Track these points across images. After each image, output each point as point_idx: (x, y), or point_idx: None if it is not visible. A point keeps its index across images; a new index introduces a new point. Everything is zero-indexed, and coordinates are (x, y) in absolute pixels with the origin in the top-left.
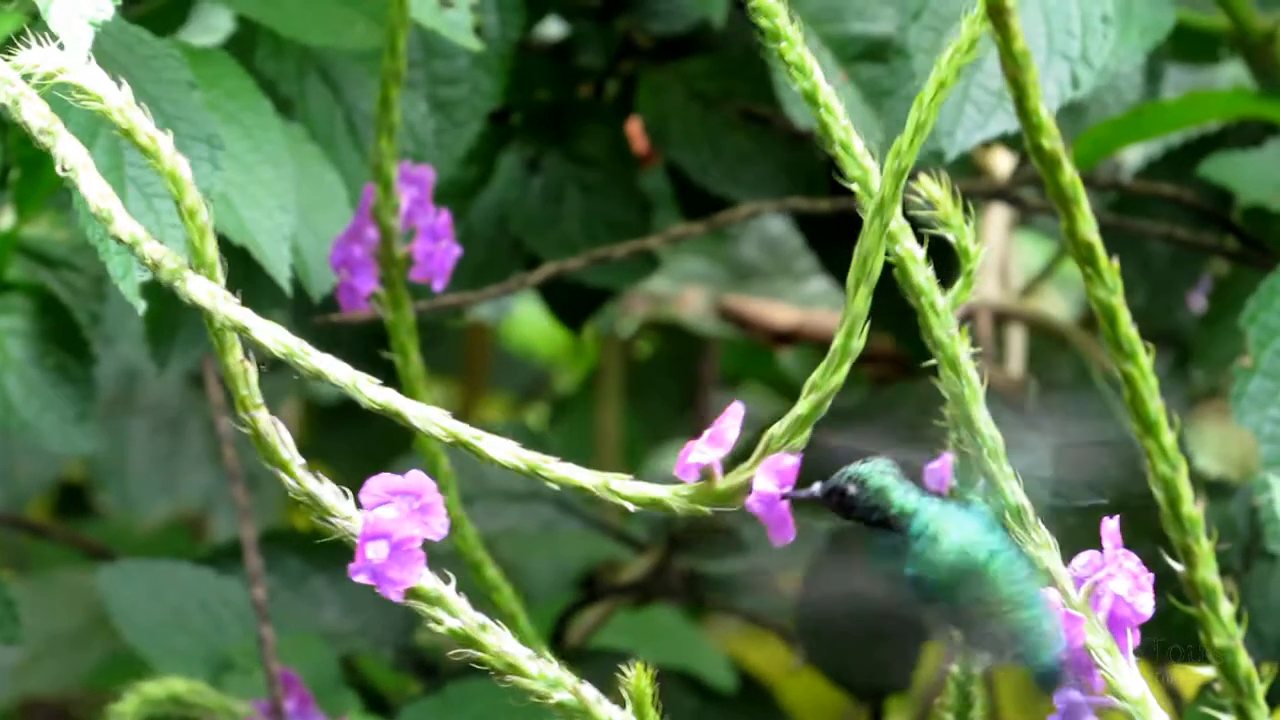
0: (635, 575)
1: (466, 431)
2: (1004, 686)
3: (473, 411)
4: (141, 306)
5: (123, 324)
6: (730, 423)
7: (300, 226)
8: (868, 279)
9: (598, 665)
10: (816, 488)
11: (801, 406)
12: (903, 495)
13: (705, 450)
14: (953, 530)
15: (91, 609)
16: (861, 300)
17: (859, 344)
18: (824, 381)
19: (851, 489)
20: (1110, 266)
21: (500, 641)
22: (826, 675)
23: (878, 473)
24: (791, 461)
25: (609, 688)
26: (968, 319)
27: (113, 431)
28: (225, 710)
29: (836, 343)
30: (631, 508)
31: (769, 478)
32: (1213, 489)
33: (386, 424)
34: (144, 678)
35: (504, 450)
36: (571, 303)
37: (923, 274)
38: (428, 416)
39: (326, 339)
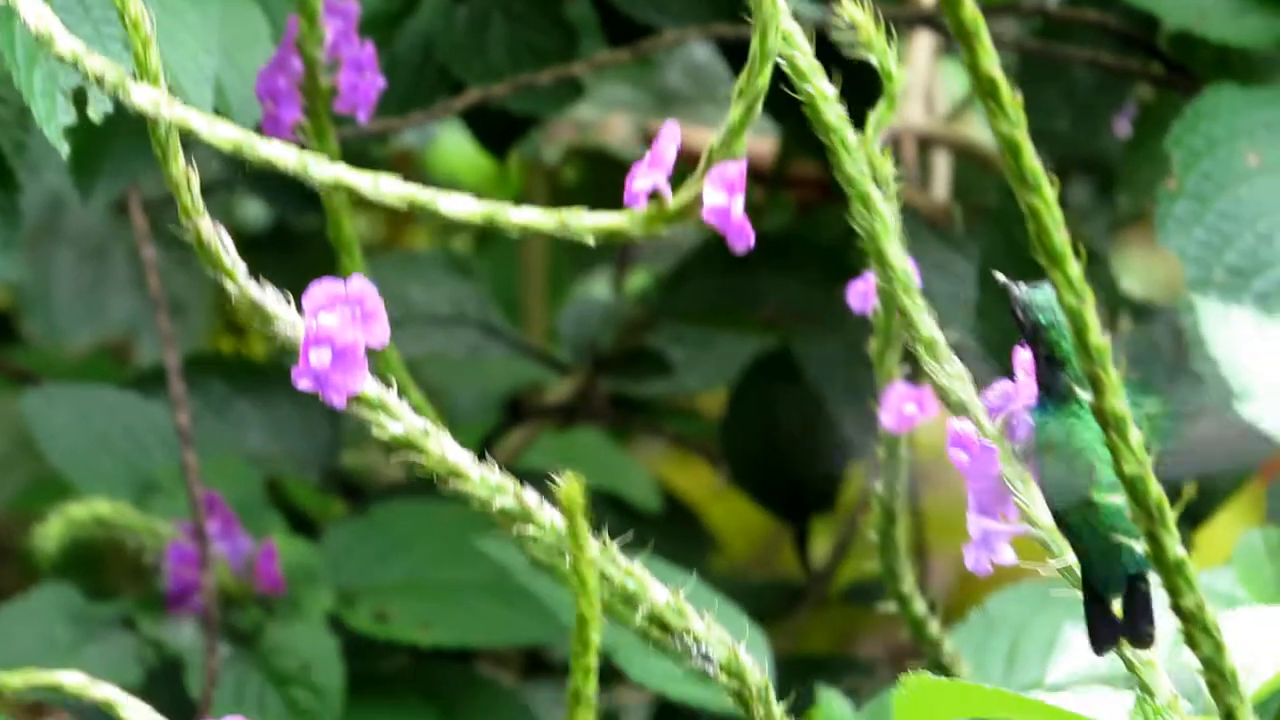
0: (560, 398)
1: (420, 194)
2: (929, 509)
3: (399, 239)
4: (65, 149)
5: (48, 153)
6: (667, 143)
7: (224, 63)
8: None
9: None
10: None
11: (733, 114)
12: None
13: (649, 174)
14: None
15: (17, 433)
16: (770, 4)
17: (777, 42)
18: (749, 86)
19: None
20: (1013, 100)
21: (443, 447)
22: (751, 496)
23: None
24: (736, 169)
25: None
26: (892, 144)
27: (38, 260)
28: (149, 532)
29: (754, 46)
30: (591, 240)
31: (717, 188)
32: (1138, 311)
33: (314, 252)
34: (69, 500)
35: (459, 206)
36: (496, 130)
37: (833, 112)
38: (380, 186)
39: (255, 172)
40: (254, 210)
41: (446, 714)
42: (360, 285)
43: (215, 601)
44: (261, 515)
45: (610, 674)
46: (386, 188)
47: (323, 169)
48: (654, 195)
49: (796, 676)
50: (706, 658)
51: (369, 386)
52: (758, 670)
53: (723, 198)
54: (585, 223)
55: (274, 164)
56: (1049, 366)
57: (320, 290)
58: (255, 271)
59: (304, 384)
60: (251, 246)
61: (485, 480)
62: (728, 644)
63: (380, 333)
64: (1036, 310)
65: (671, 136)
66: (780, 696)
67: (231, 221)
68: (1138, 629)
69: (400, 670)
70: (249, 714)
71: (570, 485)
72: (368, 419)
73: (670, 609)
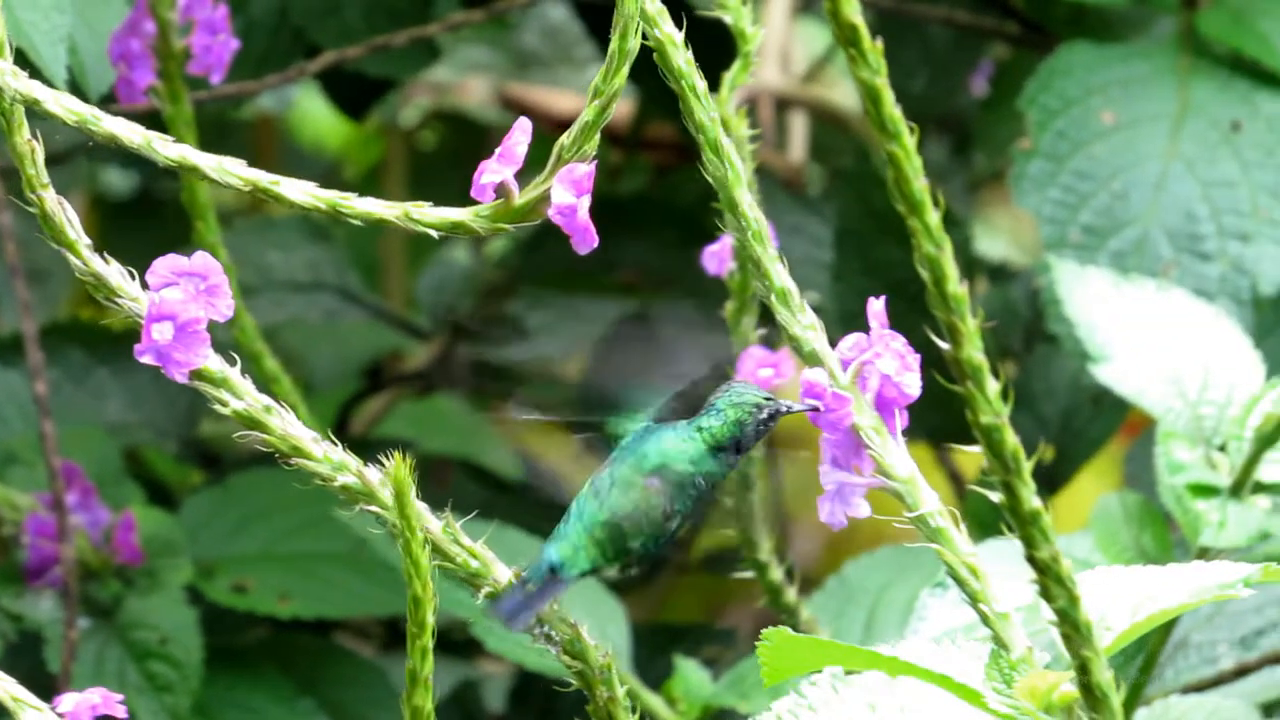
0: (420, 364)
1: (264, 178)
2: (793, 479)
3: (260, 206)
4: None
5: None
6: (519, 138)
7: (77, 24)
8: None
9: (381, 454)
10: None
11: (588, 113)
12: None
13: (497, 169)
14: None
15: None
16: (631, 2)
17: (635, 45)
18: (606, 85)
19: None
20: (874, 47)
21: (285, 424)
22: None
23: None
24: (585, 170)
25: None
26: (749, 105)
27: None
28: (7, 503)
29: (613, 46)
30: (435, 234)
31: (566, 188)
32: (995, 273)
33: (175, 221)
34: None
35: (301, 191)
36: (353, 92)
37: (681, 57)
38: (224, 166)
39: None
40: (118, 176)
41: (305, 686)
42: (203, 260)
43: (74, 574)
44: (120, 486)
45: (473, 643)
46: (230, 168)
47: (168, 148)
48: (500, 189)
49: (657, 646)
50: (549, 638)
51: (212, 362)
52: (600, 651)
53: (570, 198)
54: (429, 216)
55: (119, 140)
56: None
57: (163, 265)
58: (119, 238)
59: (146, 359)
60: (116, 213)
61: (328, 457)
62: (570, 624)
63: (224, 307)
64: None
65: (523, 131)
66: (640, 665)
67: (95, 188)
68: None
69: (259, 642)
70: (108, 687)
71: (398, 466)
72: (210, 395)
73: None
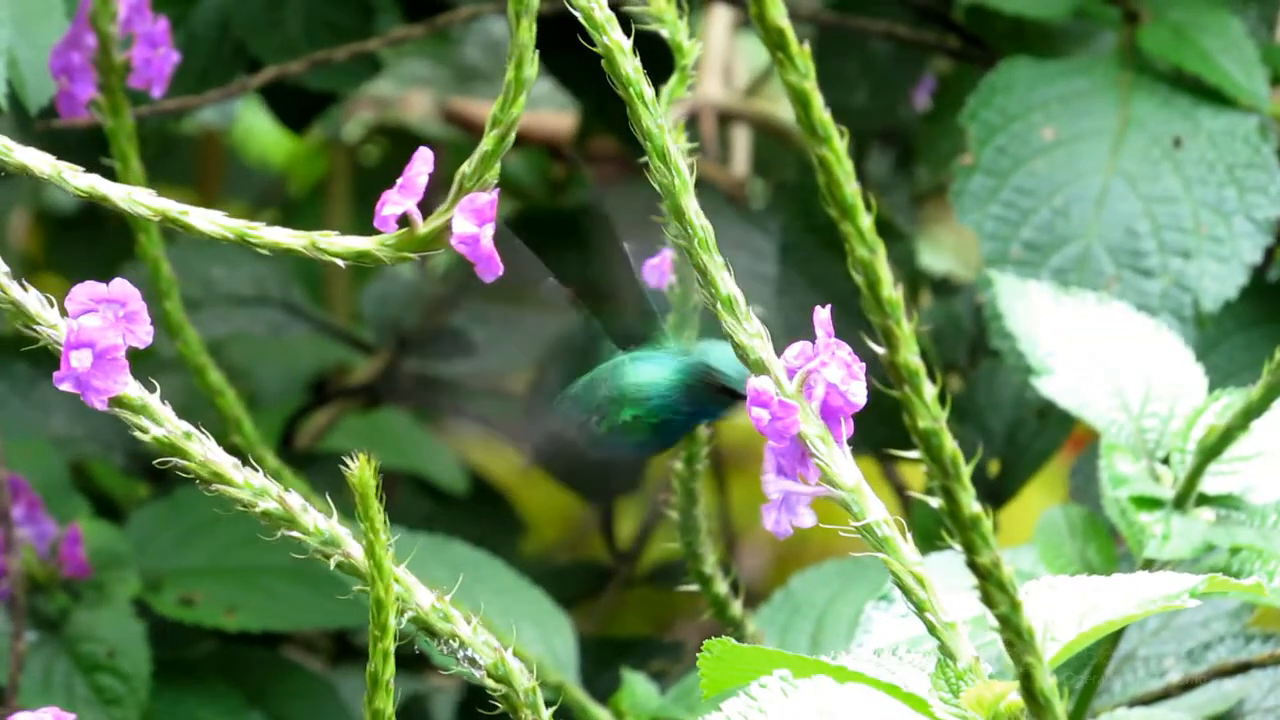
0: (365, 378)
1: (173, 208)
2: (740, 494)
3: None
4: None
5: None
6: (420, 168)
7: (17, 38)
8: (527, 11)
9: (327, 468)
10: None
11: (487, 142)
12: None
13: (398, 200)
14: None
15: None
16: (525, 31)
17: (532, 74)
18: (504, 115)
19: None
20: (802, 51)
21: (205, 450)
22: (555, 478)
23: None
24: (487, 199)
25: (339, 489)
26: (691, 119)
27: None
28: None
29: (509, 76)
30: (341, 264)
31: (467, 218)
32: (939, 286)
33: (119, 235)
34: None
35: (210, 221)
36: (295, 107)
37: (630, 64)
38: (133, 196)
39: (53, 148)
40: (62, 192)
41: (254, 699)
42: (122, 287)
43: (21, 587)
44: (66, 499)
45: (421, 657)
46: (139, 198)
47: (77, 178)
48: (404, 220)
49: (605, 659)
50: (472, 662)
51: (131, 389)
52: (525, 676)
53: (472, 227)
54: (335, 246)
55: (30, 170)
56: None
57: (82, 291)
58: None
59: (65, 386)
60: (60, 228)
61: (249, 483)
62: (495, 648)
63: (143, 334)
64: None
65: (424, 162)
66: (587, 679)
67: (39, 204)
68: None
69: (207, 655)
70: (56, 701)
71: (362, 468)
72: (130, 421)
73: (435, 612)
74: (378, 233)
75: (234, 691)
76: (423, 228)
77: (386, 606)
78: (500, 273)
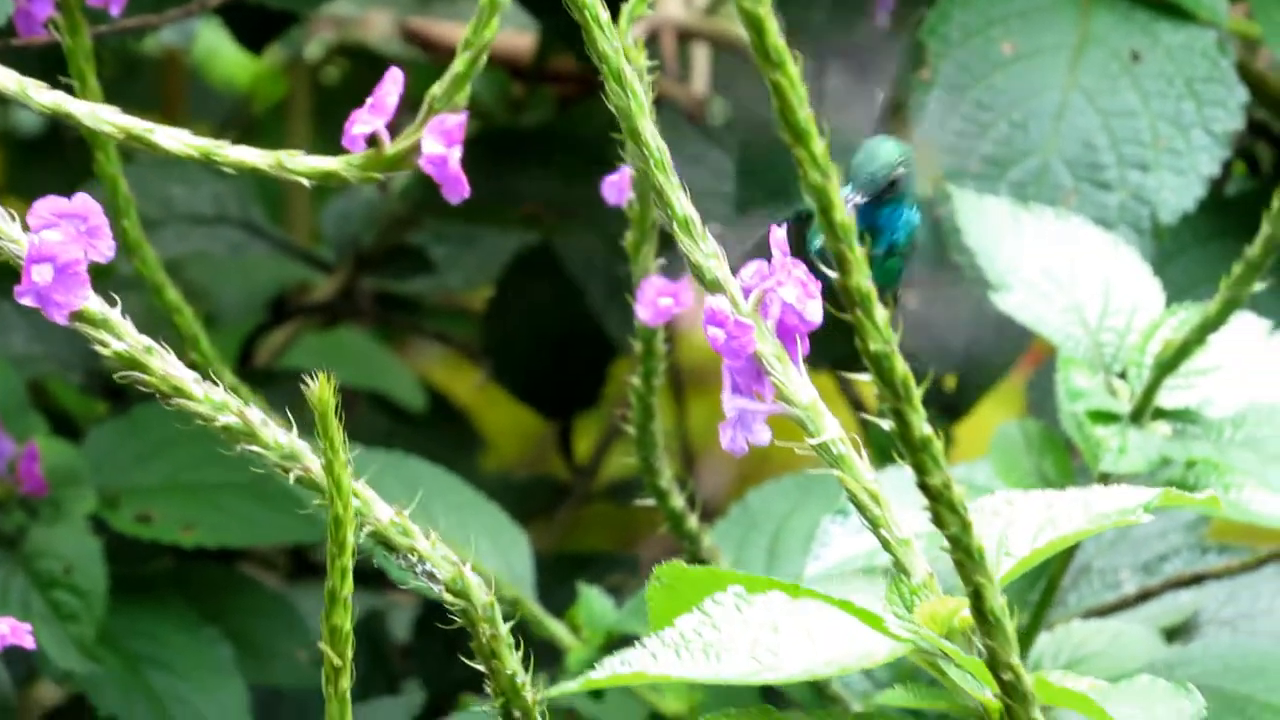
0: (323, 297)
1: (138, 125)
2: (694, 404)
3: None
4: None
5: None
6: (390, 89)
7: None
8: None
9: (285, 386)
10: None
11: (458, 64)
12: None
13: (368, 119)
14: None
15: None
16: None
17: None
18: (477, 37)
19: None
20: None
21: (165, 365)
22: (514, 393)
23: None
24: (456, 121)
25: (298, 407)
26: (651, 37)
27: None
28: None
29: (482, 1)
30: (307, 183)
31: (436, 138)
32: None
33: (79, 155)
34: None
35: (175, 139)
36: (254, 26)
37: None
38: (97, 114)
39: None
40: (28, 113)
41: (210, 616)
42: (84, 201)
43: None
44: (24, 417)
45: (379, 574)
46: (104, 115)
47: (41, 95)
48: (373, 139)
49: (563, 574)
50: (431, 576)
51: (92, 303)
52: (484, 589)
53: (441, 148)
54: (301, 165)
55: None
56: None
57: (44, 205)
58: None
59: (26, 300)
60: (25, 149)
61: (209, 397)
62: (454, 562)
63: (105, 248)
64: None
65: (394, 82)
66: (545, 594)
67: (4, 125)
68: None
69: (164, 572)
70: (14, 616)
71: (322, 387)
72: (91, 336)
73: (394, 527)
74: (342, 152)
75: (190, 608)
76: (391, 148)
77: (345, 524)
78: (467, 194)
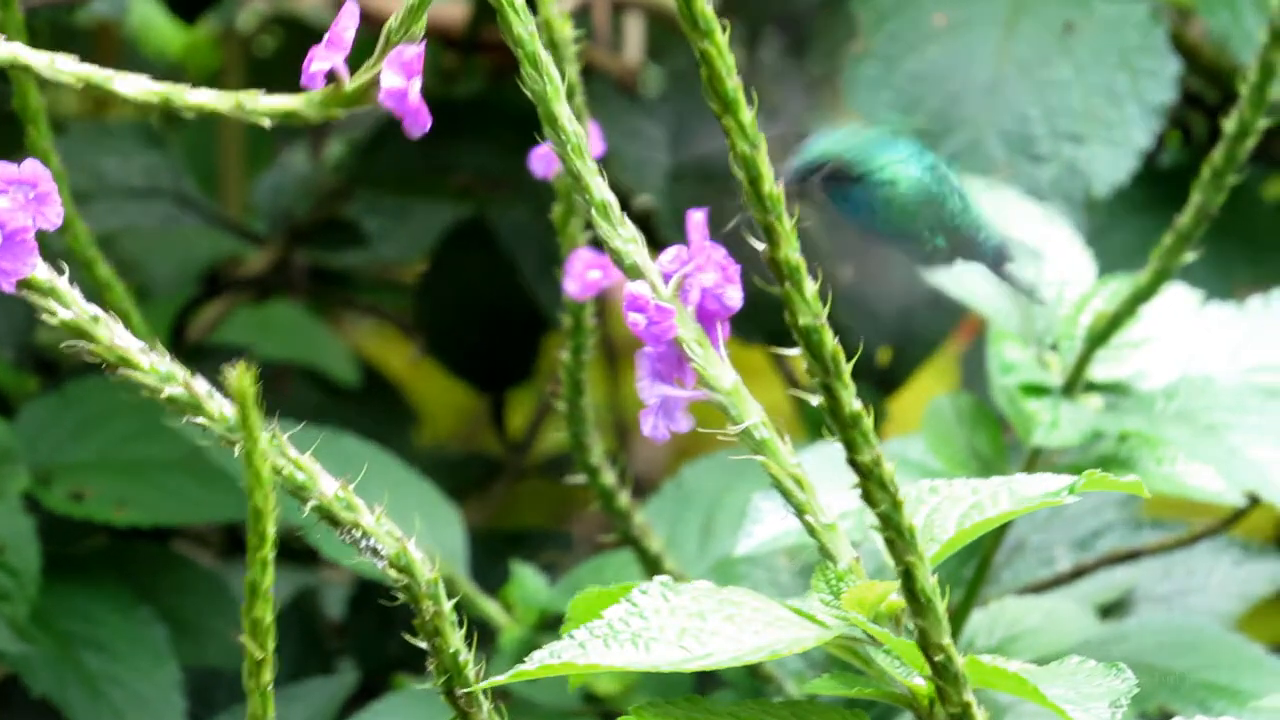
0: (256, 270)
1: (97, 74)
2: (628, 378)
3: (102, 111)
4: None
5: None
6: (347, 23)
7: None
8: None
9: (218, 361)
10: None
11: None
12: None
13: (326, 55)
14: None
15: None
16: None
17: None
18: None
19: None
20: None
21: (112, 334)
22: (447, 367)
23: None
24: (414, 52)
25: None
26: (584, 7)
27: None
28: None
29: None
30: (267, 123)
31: (395, 71)
32: None
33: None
34: None
35: (134, 86)
36: None
37: None
38: (55, 64)
39: None
40: None
41: (144, 594)
42: (32, 168)
43: None
44: None
45: (313, 550)
46: (62, 66)
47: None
48: (331, 76)
49: (496, 552)
50: (375, 551)
51: (40, 271)
52: (428, 565)
53: (400, 81)
54: (261, 105)
55: None
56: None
57: None
58: None
59: None
60: None
61: (154, 368)
62: (398, 537)
63: (53, 215)
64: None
65: (350, 16)
66: (479, 571)
67: None
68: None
69: (97, 550)
70: None
71: (241, 375)
72: (38, 304)
73: (338, 501)
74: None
75: (124, 586)
76: (350, 83)
77: (265, 515)
78: (428, 126)
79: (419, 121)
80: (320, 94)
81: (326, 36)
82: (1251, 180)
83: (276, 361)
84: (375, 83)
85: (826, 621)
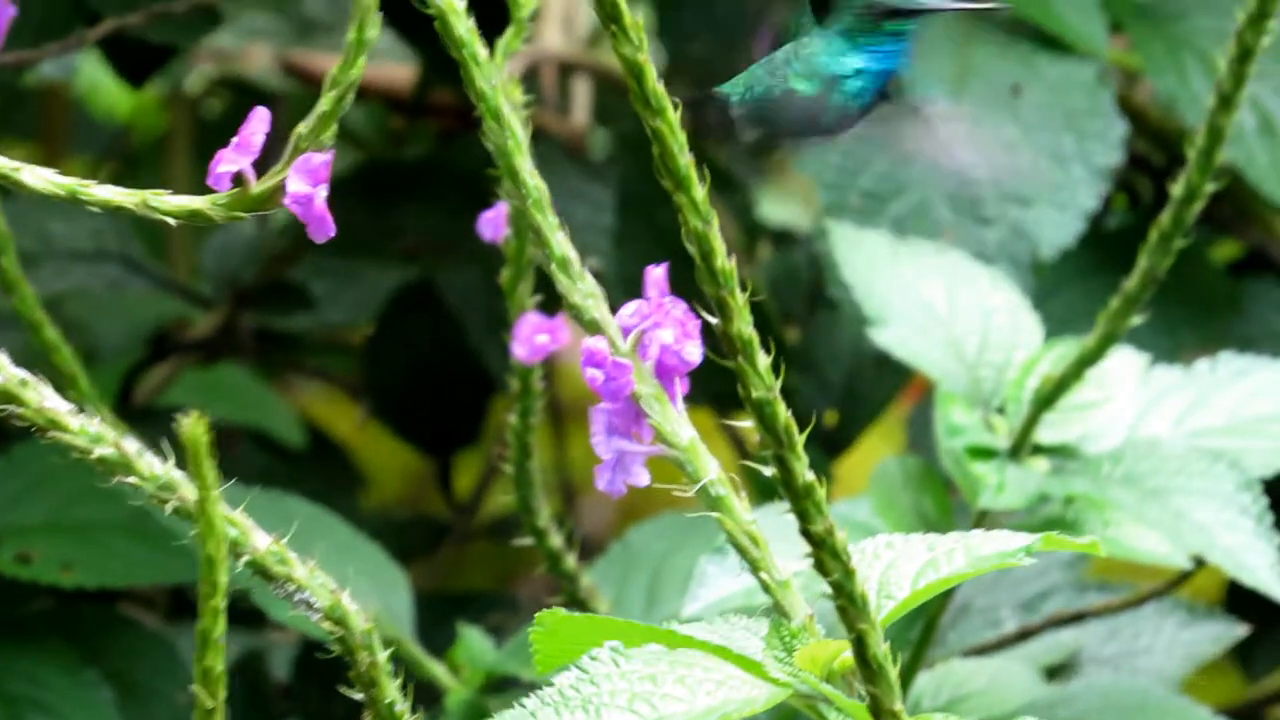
0: (204, 333)
1: (5, 164)
2: (575, 439)
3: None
4: None
5: None
6: (256, 127)
7: None
8: None
9: (165, 424)
10: None
11: (324, 103)
12: None
13: (234, 158)
14: None
15: None
16: None
17: (374, 35)
18: (343, 76)
19: None
20: (635, 23)
21: (41, 398)
22: (394, 430)
23: None
24: (322, 159)
25: (179, 445)
26: (532, 70)
27: None
28: None
29: (350, 37)
30: (172, 222)
31: (302, 178)
32: (779, 237)
33: None
34: None
35: (41, 178)
36: (134, 59)
37: (463, 25)
38: None
39: None
40: None
41: (90, 656)
42: None
43: None
44: None
45: (258, 612)
46: None
47: None
48: (239, 178)
49: (443, 614)
50: (309, 605)
51: None
52: (362, 617)
53: (306, 187)
54: (167, 204)
55: None
56: None
57: None
58: None
59: None
60: None
61: (84, 429)
62: (332, 590)
63: None
64: None
65: (260, 121)
66: (425, 634)
67: None
68: None
69: (44, 613)
70: None
71: (194, 425)
72: None
73: (271, 555)
74: (212, 190)
75: (71, 649)
76: (256, 187)
77: (217, 563)
78: (332, 234)
79: (323, 229)
80: (226, 196)
81: (234, 140)
82: (1198, 243)
83: (224, 424)
84: (281, 188)
85: (779, 679)
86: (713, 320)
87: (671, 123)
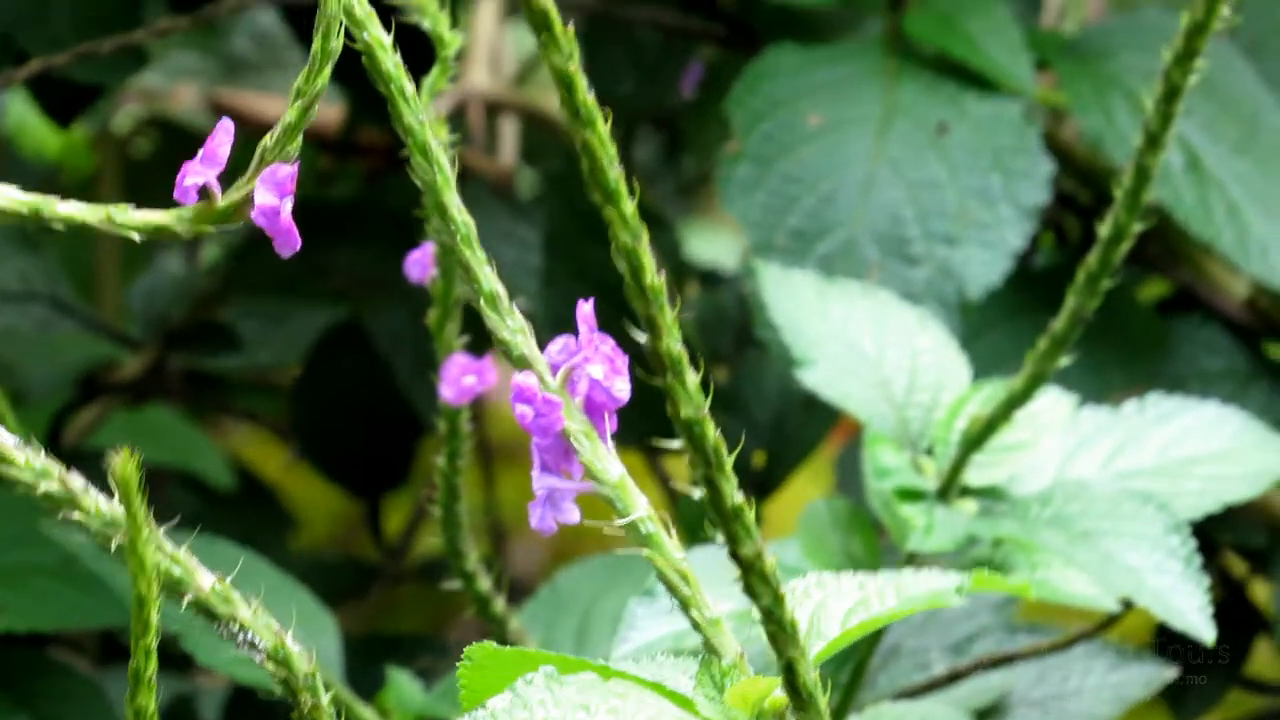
0: (133, 374)
1: None
2: (505, 481)
3: None
4: None
5: None
6: (222, 140)
7: None
8: None
9: (95, 466)
10: None
11: (290, 114)
12: None
13: (200, 170)
14: None
15: None
16: (334, 3)
17: (337, 46)
18: (308, 86)
19: None
20: (566, 32)
21: None
22: (323, 471)
23: None
24: (288, 171)
25: (108, 487)
26: (459, 110)
27: None
28: None
29: (315, 47)
30: (137, 236)
31: (269, 190)
32: (707, 277)
33: None
34: None
35: (4, 196)
36: (61, 99)
37: (391, 60)
38: None
39: None
40: None
41: (20, 702)
42: None
43: None
44: None
45: (186, 657)
46: None
47: None
48: (204, 191)
49: (373, 657)
50: (253, 645)
51: None
52: (305, 659)
53: (273, 199)
54: (133, 219)
55: None
56: None
57: None
58: None
59: None
60: None
61: (30, 464)
62: (275, 631)
63: None
64: None
65: (225, 133)
66: (354, 677)
67: None
68: None
69: None
70: None
71: (125, 463)
72: None
73: (215, 595)
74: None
75: (1, 693)
76: (222, 200)
77: (149, 602)
78: (298, 247)
79: (289, 242)
80: (192, 209)
81: (201, 151)
82: (1126, 282)
83: (153, 466)
84: (248, 200)
85: (710, 716)
86: (642, 339)
87: (602, 135)
